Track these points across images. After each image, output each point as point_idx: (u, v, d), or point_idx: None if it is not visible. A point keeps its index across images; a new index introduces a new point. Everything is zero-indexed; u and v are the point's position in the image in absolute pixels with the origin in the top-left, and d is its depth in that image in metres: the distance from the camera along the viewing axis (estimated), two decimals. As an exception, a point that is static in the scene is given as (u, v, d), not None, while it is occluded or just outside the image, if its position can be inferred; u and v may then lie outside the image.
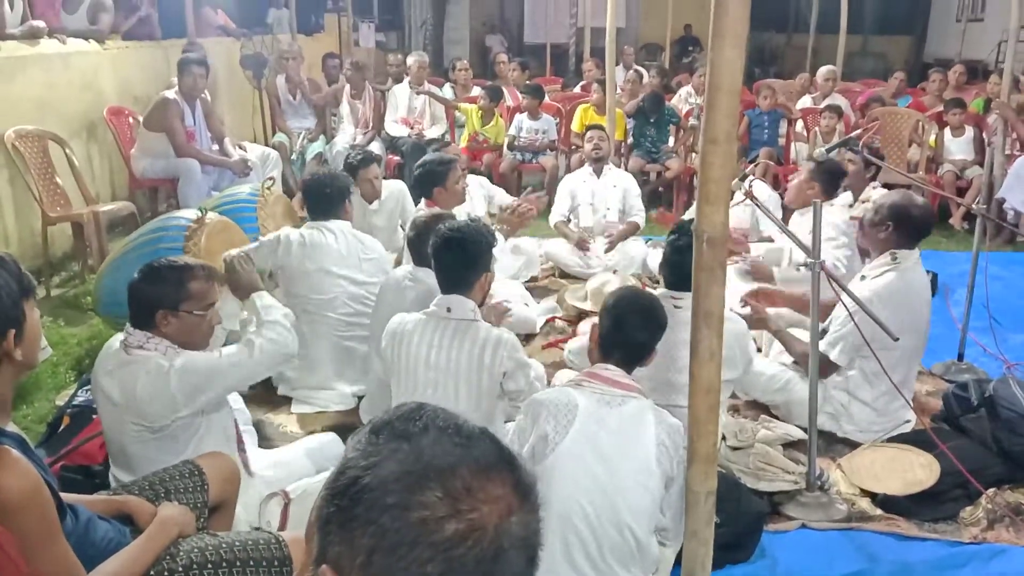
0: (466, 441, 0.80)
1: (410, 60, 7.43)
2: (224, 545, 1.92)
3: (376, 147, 7.08)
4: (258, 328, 2.69)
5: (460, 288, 2.74)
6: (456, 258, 2.76)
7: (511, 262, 4.96)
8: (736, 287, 4.22)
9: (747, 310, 3.42)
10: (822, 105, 7.21)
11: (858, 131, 4.03)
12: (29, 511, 1.52)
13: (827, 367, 3.21)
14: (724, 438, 3.13)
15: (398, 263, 4.18)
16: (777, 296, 3.69)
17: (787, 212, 4.93)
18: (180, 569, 1.85)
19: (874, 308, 2.93)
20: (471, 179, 5.24)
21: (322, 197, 3.79)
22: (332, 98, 7.31)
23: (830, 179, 4.18)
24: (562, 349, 4.12)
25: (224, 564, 1.88)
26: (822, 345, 3.17)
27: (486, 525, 0.74)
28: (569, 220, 5.61)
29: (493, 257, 2.90)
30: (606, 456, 2.17)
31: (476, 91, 7.76)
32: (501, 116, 7.50)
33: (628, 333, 2.32)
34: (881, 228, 3.31)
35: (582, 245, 5.36)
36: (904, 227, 3.28)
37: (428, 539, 0.73)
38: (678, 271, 2.92)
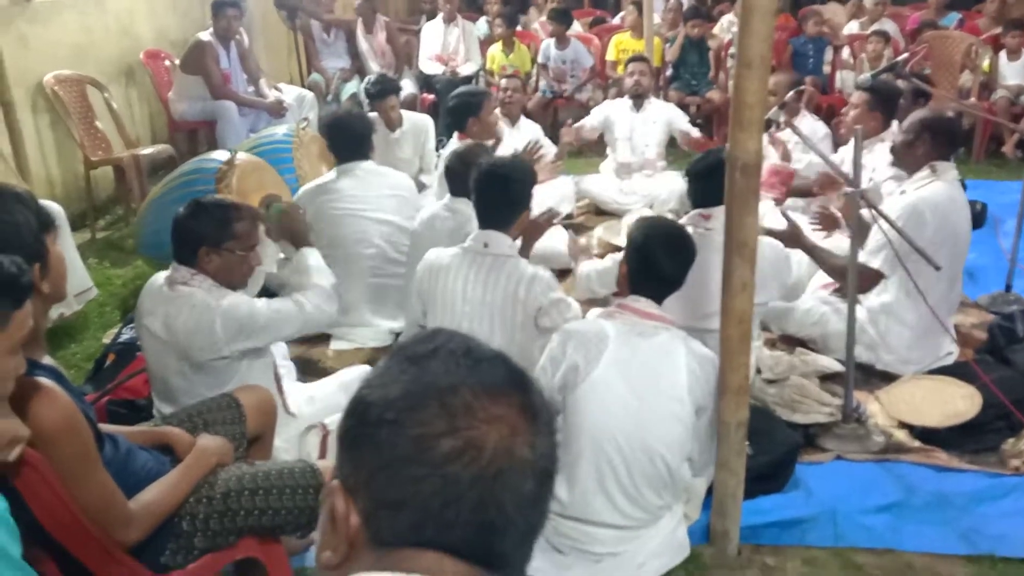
0: (473, 363, 0.79)
1: (442, -7, 7.31)
2: (260, 473, 1.97)
3: (409, 84, 7.02)
4: (306, 289, 2.70)
5: (499, 224, 2.74)
6: (498, 194, 2.74)
7: (547, 198, 4.91)
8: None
9: (783, 224, 3.35)
10: (869, 31, 6.93)
11: (904, 55, 3.85)
12: (66, 440, 1.57)
13: (867, 277, 3.13)
14: (759, 371, 3.11)
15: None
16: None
17: (836, 147, 4.78)
18: (218, 496, 1.90)
19: (920, 214, 2.98)
20: (524, 122, 5.19)
21: (348, 139, 3.81)
22: (346, 26, 7.18)
23: (889, 105, 4.05)
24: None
25: (260, 491, 1.93)
26: (863, 256, 3.10)
27: (484, 444, 0.74)
28: (606, 155, 5.56)
29: (531, 195, 2.89)
30: (637, 386, 2.18)
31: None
32: (525, 45, 7.39)
33: (659, 268, 2.29)
34: (915, 143, 3.29)
35: (571, 134, 5.17)
36: (936, 136, 3.26)
37: (424, 455, 0.73)
38: (705, 185, 2.95)
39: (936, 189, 3.20)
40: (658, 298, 2.32)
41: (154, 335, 2.44)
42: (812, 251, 3.35)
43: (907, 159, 3.34)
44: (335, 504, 0.76)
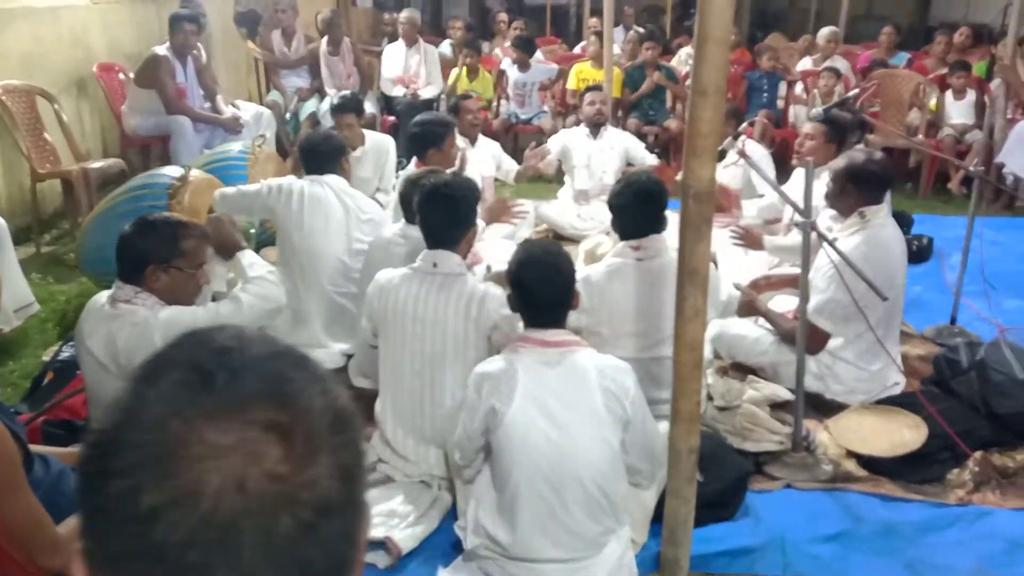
0: (200, 380, 0.61)
1: (402, 17, 7.33)
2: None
3: (370, 105, 6.99)
4: (244, 284, 2.69)
5: (446, 244, 2.73)
6: (443, 214, 2.74)
7: (505, 225, 4.91)
8: (737, 259, 4.20)
9: (738, 296, 3.39)
10: (822, 67, 7.11)
11: (855, 91, 3.95)
12: (-9, 459, 1.50)
13: (816, 340, 3.19)
14: (711, 398, 3.12)
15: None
16: (778, 280, 3.65)
17: (781, 173, 4.88)
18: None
19: (843, 273, 2.94)
20: (483, 140, 5.20)
21: (317, 153, 3.80)
22: (310, 56, 7.13)
23: (842, 135, 4.14)
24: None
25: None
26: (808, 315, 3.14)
27: (200, 490, 0.57)
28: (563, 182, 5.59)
29: (477, 212, 2.89)
30: (555, 417, 2.15)
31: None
32: (487, 71, 7.46)
33: (540, 296, 2.27)
34: (841, 193, 3.32)
35: (535, 157, 5.18)
36: (860, 184, 3.28)
37: (125, 513, 0.57)
38: (630, 215, 2.97)
39: (862, 239, 3.20)
40: (556, 322, 2.28)
41: (94, 357, 2.37)
42: (767, 316, 3.41)
43: (837, 205, 3.39)
44: (73, 567, 0.66)
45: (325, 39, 7.05)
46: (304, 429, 0.61)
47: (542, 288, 2.26)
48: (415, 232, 3.25)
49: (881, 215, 3.30)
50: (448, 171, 4.27)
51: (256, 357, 0.64)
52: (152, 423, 0.59)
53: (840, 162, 3.42)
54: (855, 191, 3.29)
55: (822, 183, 3.86)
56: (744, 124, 3.82)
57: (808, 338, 3.06)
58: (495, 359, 2.30)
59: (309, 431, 0.61)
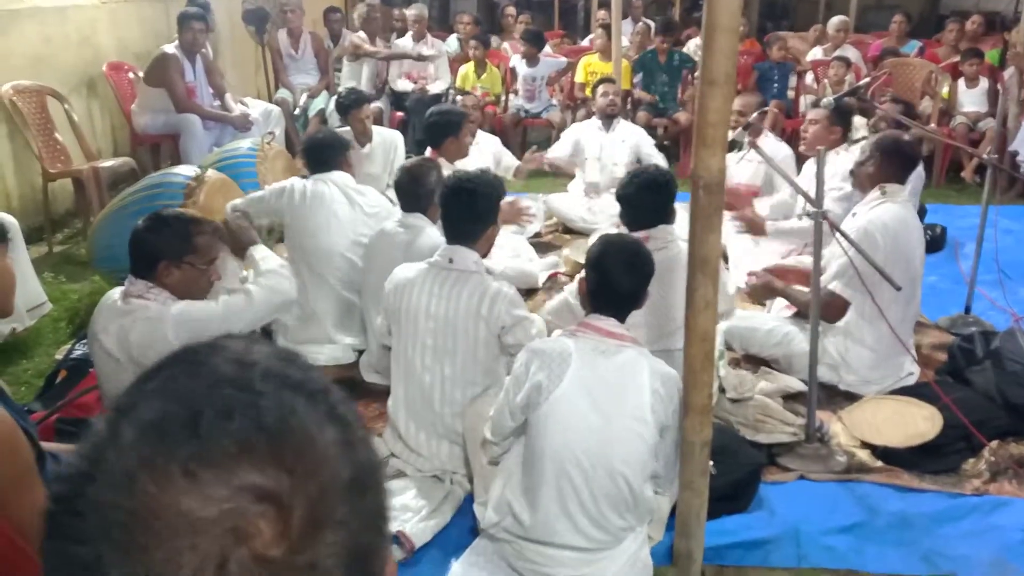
0: (185, 422, 0.50)
1: (410, 12, 7.32)
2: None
3: (381, 102, 7.00)
4: (255, 278, 2.70)
5: (466, 239, 2.73)
6: (465, 209, 2.74)
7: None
8: (748, 248, 4.19)
9: (753, 280, 3.39)
10: (832, 56, 7.06)
11: (866, 80, 3.92)
12: (2, 457, 1.51)
13: (835, 307, 3.17)
14: (723, 390, 3.10)
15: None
16: (789, 273, 3.64)
17: (799, 164, 4.85)
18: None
19: (871, 237, 3.01)
20: (483, 136, 5.20)
21: (320, 151, 3.82)
22: (352, 48, 7.12)
23: (846, 119, 4.15)
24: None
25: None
26: (825, 284, 3.14)
27: (174, 572, 0.47)
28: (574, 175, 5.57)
29: (498, 210, 2.88)
30: (600, 405, 2.16)
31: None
32: (495, 66, 7.44)
33: (616, 283, 2.29)
34: (869, 163, 3.34)
35: (557, 167, 5.31)
36: (890, 159, 3.30)
37: None
38: (638, 207, 3.02)
39: (886, 211, 3.22)
40: (620, 316, 2.31)
41: (108, 353, 2.38)
42: (786, 293, 3.40)
43: (861, 178, 3.40)
44: None
45: (360, 34, 7.04)
46: (307, 499, 0.50)
47: (622, 276, 2.28)
48: (413, 220, 3.28)
49: (902, 196, 3.31)
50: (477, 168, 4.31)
51: (257, 391, 0.52)
52: (120, 478, 0.49)
53: (876, 137, 3.46)
54: (881, 163, 3.30)
55: (830, 167, 3.87)
56: (754, 114, 3.79)
57: (826, 306, 3.07)
58: (550, 339, 2.34)
59: (314, 501, 0.50)
